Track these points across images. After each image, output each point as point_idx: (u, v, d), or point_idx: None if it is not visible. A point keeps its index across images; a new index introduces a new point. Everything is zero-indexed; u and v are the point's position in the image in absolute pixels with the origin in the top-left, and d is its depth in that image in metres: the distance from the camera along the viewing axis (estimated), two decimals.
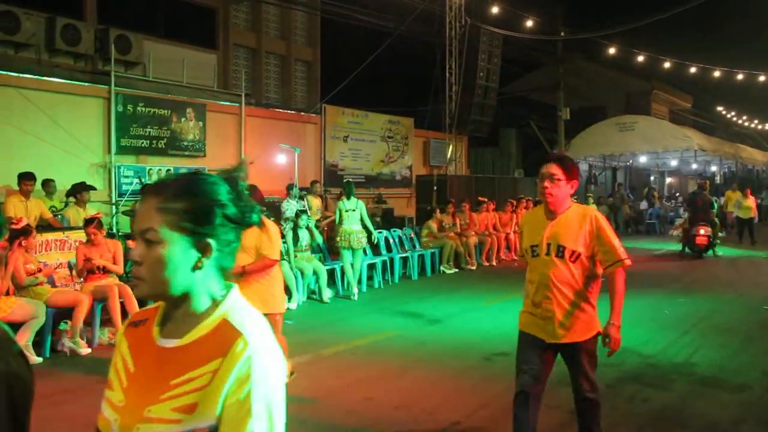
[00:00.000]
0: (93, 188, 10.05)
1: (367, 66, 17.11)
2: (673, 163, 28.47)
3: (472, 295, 10.26)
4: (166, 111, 13.06)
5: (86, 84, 12.29)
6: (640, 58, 23.44)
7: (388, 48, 17.66)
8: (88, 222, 7.31)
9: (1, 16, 12.35)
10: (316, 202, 13.00)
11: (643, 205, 23.40)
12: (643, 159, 26.36)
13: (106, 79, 12.35)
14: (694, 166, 28.21)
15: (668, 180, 34.43)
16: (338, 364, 6.32)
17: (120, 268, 7.46)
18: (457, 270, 13.01)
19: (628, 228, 22.14)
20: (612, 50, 22.51)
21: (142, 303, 7.81)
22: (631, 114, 24.84)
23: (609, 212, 21.38)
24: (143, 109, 12.68)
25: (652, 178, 32.22)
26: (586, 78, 27.61)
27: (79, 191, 9.59)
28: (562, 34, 22.88)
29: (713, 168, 29.58)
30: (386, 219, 15.48)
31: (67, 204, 9.83)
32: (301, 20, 20.93)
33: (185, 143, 13.43)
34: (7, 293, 6.38)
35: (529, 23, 20.97)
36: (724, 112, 38.01)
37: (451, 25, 19.65)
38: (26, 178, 8.81)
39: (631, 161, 27.19)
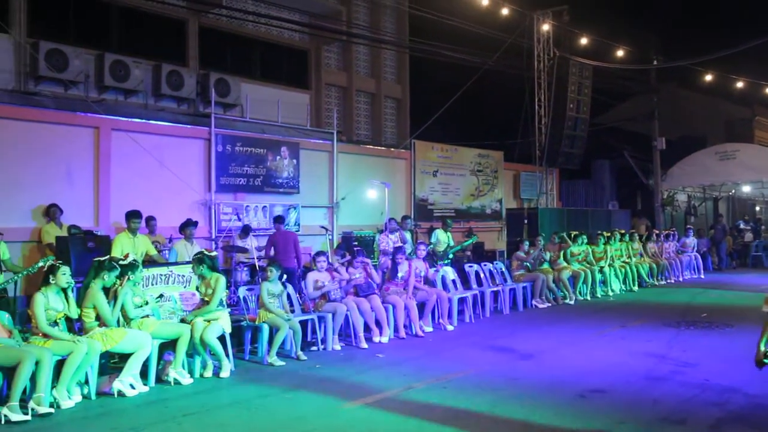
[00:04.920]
0: (197, 223, 10.75)
1: (455, 101, 17.26)
2: None
3: (566, 331, 10.04)
4: (262, 150, 13.61)
5: (188, 126, 13.01)
6: (740, 84, 22.52)
7: (476, 82, 17.78)
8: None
9: (113, 65, 13.33)
10: (408, 237, 13.15)
11: (748, 236, 22.24)
12: (746, 189, 25.20)
13: (206, 120, 13.04)
14: None
15: None
16: (429, 397, 6.33)
17: (214, 303, 7.66)
18: (550, 304, 12.77)
19: (732, 261, 21.12)
20: (709, 77, 21.77)
21: (238, 334, 8.12)
22: (732, 142, 23.83)
23: (712, 245, 20.48)
24: (241, 148, 13.28)
25: (757, 208, 30.65)
26: (682, 106, 26.76)
27: (186, 227, 10.22)
28: (656, 62, 22.36)
29: None
30: (477, 253, 15.42)
31: (171, 239, 10.50)
32: (389, 59, 21.39)
33: (280, 180, 13.92)
34: (118, 324, 6.79)
35: (620, 53, 20.63)
36: None
37: (539, 57, 19.63)
38: (133, 216, 9.35)
39: (733, 191, 26.03)
